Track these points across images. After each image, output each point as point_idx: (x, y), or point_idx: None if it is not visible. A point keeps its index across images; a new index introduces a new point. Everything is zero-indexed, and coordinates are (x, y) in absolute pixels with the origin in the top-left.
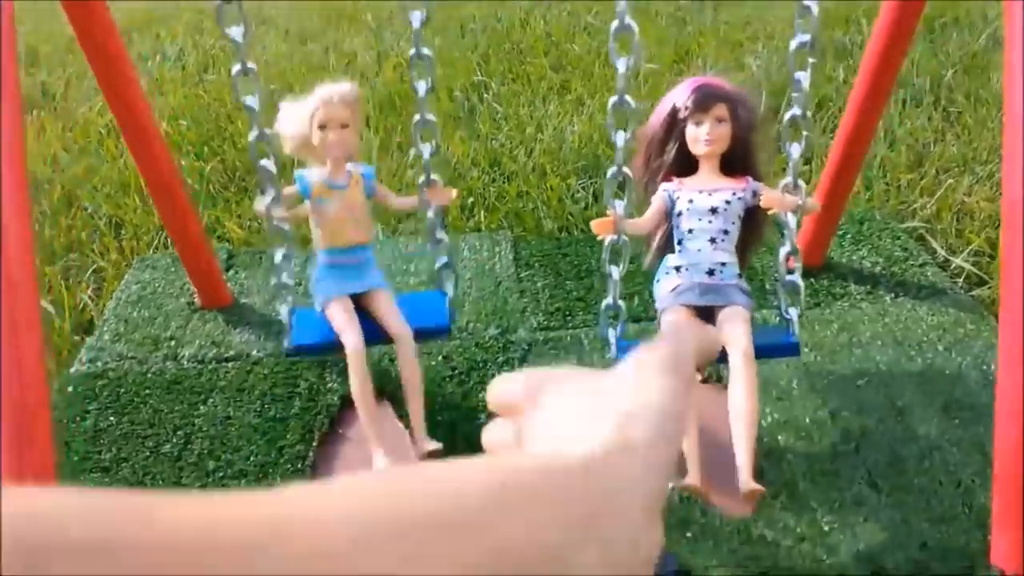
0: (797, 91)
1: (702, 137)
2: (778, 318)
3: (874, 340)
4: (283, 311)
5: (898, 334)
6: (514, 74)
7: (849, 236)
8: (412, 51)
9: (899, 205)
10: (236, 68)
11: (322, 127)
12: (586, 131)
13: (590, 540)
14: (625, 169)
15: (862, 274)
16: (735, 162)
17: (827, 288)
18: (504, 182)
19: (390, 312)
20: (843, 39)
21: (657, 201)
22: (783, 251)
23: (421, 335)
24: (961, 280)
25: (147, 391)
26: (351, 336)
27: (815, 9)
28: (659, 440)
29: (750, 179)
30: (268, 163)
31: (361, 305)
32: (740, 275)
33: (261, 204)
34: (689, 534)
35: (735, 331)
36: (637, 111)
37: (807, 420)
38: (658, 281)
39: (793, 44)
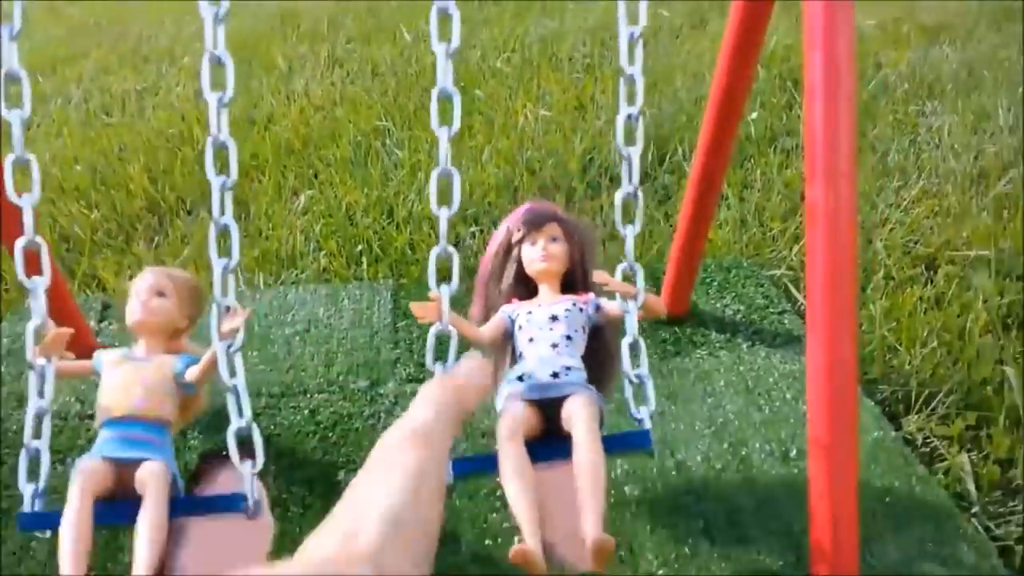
0: (627, 165)
1: (537, 255)
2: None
3: (727, 388)
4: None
5: (749, 382)
6: (418, 119)
7: (715, 283)
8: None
9: (769, 253)
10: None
11: (139, 296)
12: (478, 179)
13: None
14: (451, 249)
15: (723, 322)
16: (575, 283)
17: (688, 336)
18: (393, 230)
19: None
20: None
21: (496, 320)
22: (626, 342)
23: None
24: None
25: (7, 449)
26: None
27: (640, 83)
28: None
29: (592, 295)
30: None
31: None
32: (587, 380)
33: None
34: None
35: (577, 411)
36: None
37: (654, 471)
38: (499, 396)
39: (620, 117)
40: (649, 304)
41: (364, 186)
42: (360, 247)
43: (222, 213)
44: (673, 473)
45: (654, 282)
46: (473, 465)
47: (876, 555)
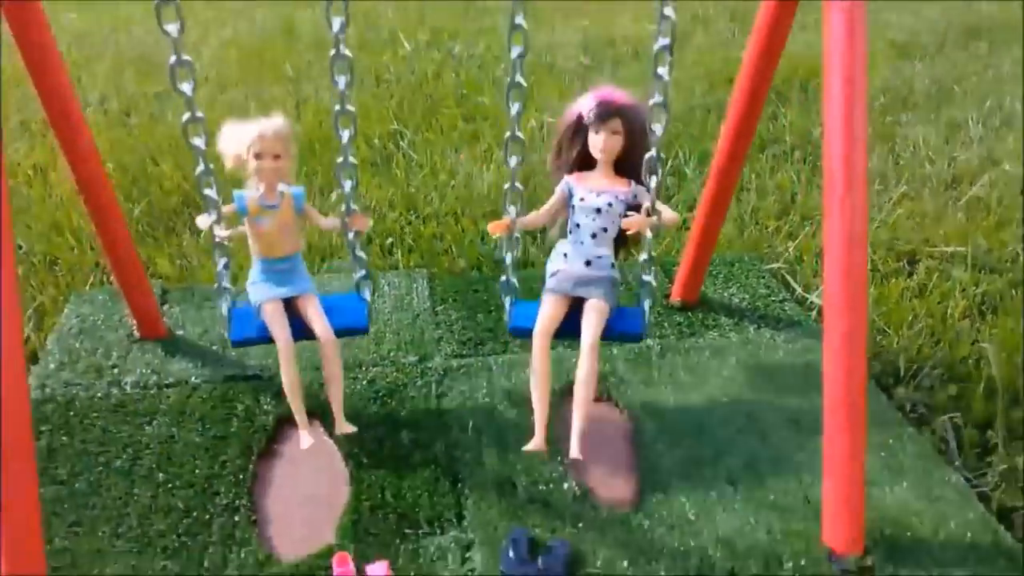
0: (659, 94)
1: (598, 146)
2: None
3: (738, 364)
4: (223, 308)
5: (758, 359)
6: (428, 124)
7: (721, 276)
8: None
9: (766, 249)
10: (172, 60)
11: (257, 157)
12: (495, 179)
13: None
14: (511, 210)
15: (731, 308)
16: (625, 166)
17: (701, 320)
18: (420, 224)
19: (316, 317)
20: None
21: (558, 191)
22: (642, 258)
23: (342, 333)
24: (814, 313)
25: (95, 414)
26: (282, 333)
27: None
28: None
29: (633, 183)
30: (211, 191)
31: (291, 306)
32: (613, 264)
33: (204, 221)
34: (580, 525)
35: (588, 325)
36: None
37: (680, 430)
38: (550, 260)
39: (656, 46)
40: (666, 218)
41: (390, 185)
42: (391, 239)
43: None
44: (697, 434)
45: (665, 273)
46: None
47: (875, 500)
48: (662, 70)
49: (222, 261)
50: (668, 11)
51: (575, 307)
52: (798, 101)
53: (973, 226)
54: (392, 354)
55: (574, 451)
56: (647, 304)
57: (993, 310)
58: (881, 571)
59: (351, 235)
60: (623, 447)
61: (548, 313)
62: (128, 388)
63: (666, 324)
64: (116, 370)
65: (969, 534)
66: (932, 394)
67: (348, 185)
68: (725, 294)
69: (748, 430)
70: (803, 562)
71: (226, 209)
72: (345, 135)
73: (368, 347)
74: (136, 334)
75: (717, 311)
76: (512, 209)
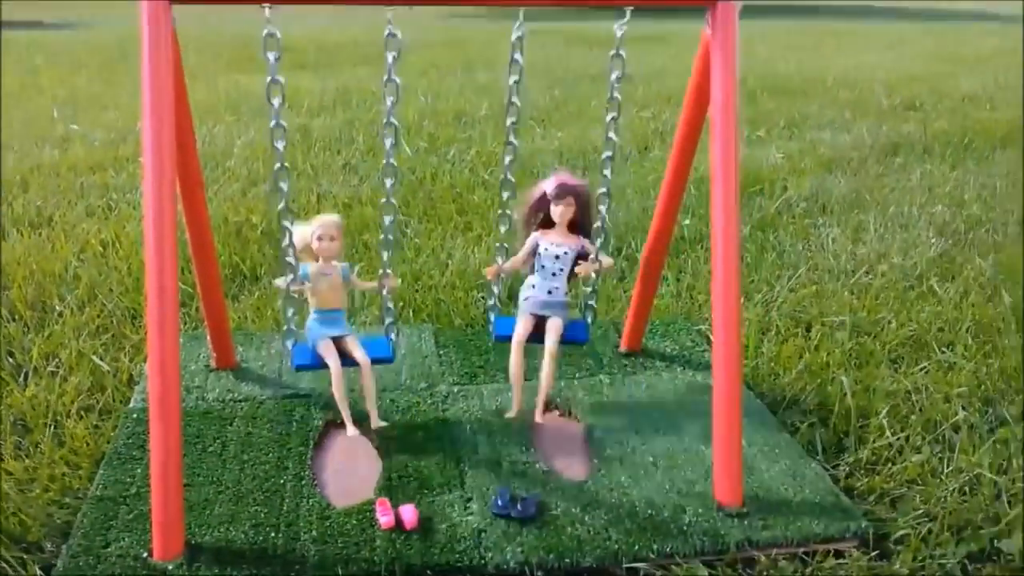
0: (603, 187)
1: (558, 213)
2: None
3: (666, 392)
4: (288, 344)
5: (681, 389)
6: (428, 215)
7: (659, 332)
8: (383, 198)
9: (696, 315)
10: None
11: (319, 239)
12: (484, 257)
13: None
14: (499, 260)
15: (664, 355)
16: (576, 226)
17: (641, 363)
18: (426, 292)
19: (356, 348)
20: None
21: (529, 243)
22: (588, 290)
23: (375, 361)
24: None
25: (188, 418)
26: (333, 360)
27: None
28: None
29: (582, 238)
30: (291, 258)
31: (337, 344)
32: (566, 294)
33: (282, 282)
34: (548, 487)
35: (550, 338)
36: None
37: (620, 432)
38: (522, 289)
39: (603, 156)
40: (605, 263)
41: (401, 262)
42: (401, 304)
43: (384, 231)
44: (632, 434)
45: (616, 331)
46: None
47: (756, 476)
48: (607, 171)
49: (290, 310)
50: (611, 135)
51: (540, 323)
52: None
53: (859, 303)
54: (407, 382)
55: (538, 417)
56: (589, 318)
57: (858, 365)
58: (752, 517)
59: (384, 292)
60: (579, 443)
61: (522, 325)
62: (211, 402)
63: (615, 366)
64: (200, 389)
65: (819, 498)
66: (806, 415)
67: (385, 255)
68: (661, 345)
69: (669, 431)
70: (700, 511)
71: (296, 285)
72: (387, 220)
73: (390, 378)
74: (213, 364)
75: (654, 357)
76: (499, 259)
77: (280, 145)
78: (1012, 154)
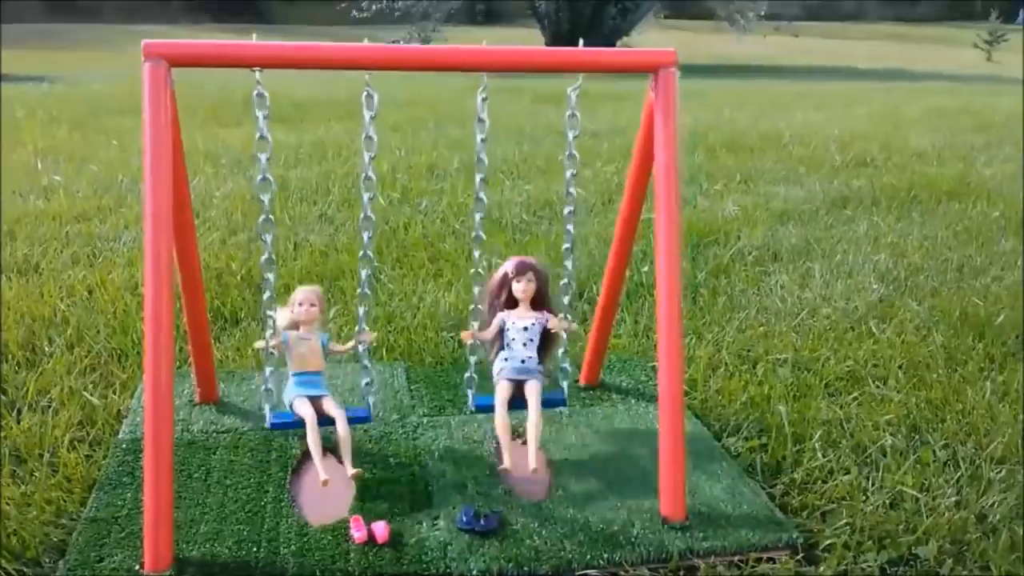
0: (567, 259)
1: (520, 289)
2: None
3: (620, 422)
4: (266, 407)
5: (634, 420)
6: (401, 263)
7: (616, 369)
8: (361, 251)
9: (650, 352)
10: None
11: (299, 303)
12: (454, 302)
13: None
14: (474, 324)
15: (620, 389)
16: (539, 302)
17: (599, 396)
18: (399, 333)
19: (333, 408)
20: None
21: (496, 323)
22: (559, 352)
23: (354, 421)
24: None
25: (175, 447)
26: (308, 413)
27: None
28: None
29: (546, 312)
30: (272, 320)
31: (315, 404)
32: (539, 362)
33: (261, 343)
34: (508, 506)
35: (531, 399)
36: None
37: (577, 458)
38: (493, 367)
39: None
40: (570, 329)
41: (376, 306)
42: (374, 344)
43: (361, 285)
44: (589, 460)
45: (577, 367)
46: (488, 400)
47: (699, 495)
48: (570, 226)
49: (268, 370)
50: (571, 189)
51: (518, 388)
52: (691, 252)
53: (802, 342)
54: (380, 414)
55: (532, 464)
56: (565, 384)
57: (795, 397)
58: (695, 530)
59: (361, 348)
60: (539, 468)
61: (504, 389)
62: (196, 433)
63: (574, 399)
64: (185, 422)
65: (756, 513)
66: (747, 440)
67: (362, 310)
68: (617, 380)
69: (622, 457)
70: (647, 524)
71: (276, 340)
72: (363, 273)
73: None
74: (196, 399)
75: (611, 391)
76: (474, 325)
77: (266, 198)
78: (956, 206)
